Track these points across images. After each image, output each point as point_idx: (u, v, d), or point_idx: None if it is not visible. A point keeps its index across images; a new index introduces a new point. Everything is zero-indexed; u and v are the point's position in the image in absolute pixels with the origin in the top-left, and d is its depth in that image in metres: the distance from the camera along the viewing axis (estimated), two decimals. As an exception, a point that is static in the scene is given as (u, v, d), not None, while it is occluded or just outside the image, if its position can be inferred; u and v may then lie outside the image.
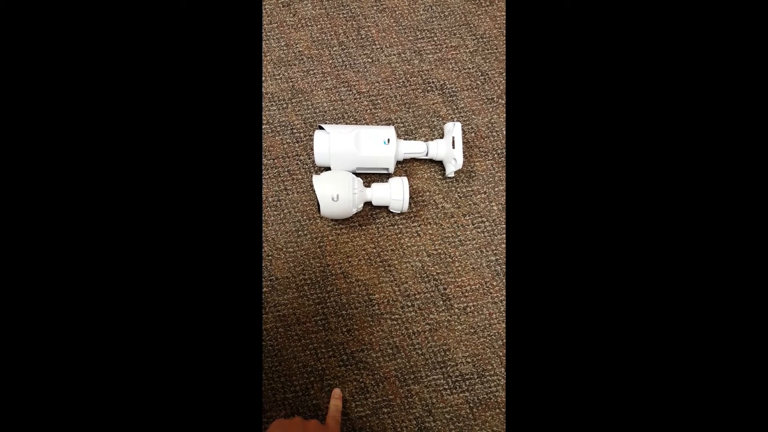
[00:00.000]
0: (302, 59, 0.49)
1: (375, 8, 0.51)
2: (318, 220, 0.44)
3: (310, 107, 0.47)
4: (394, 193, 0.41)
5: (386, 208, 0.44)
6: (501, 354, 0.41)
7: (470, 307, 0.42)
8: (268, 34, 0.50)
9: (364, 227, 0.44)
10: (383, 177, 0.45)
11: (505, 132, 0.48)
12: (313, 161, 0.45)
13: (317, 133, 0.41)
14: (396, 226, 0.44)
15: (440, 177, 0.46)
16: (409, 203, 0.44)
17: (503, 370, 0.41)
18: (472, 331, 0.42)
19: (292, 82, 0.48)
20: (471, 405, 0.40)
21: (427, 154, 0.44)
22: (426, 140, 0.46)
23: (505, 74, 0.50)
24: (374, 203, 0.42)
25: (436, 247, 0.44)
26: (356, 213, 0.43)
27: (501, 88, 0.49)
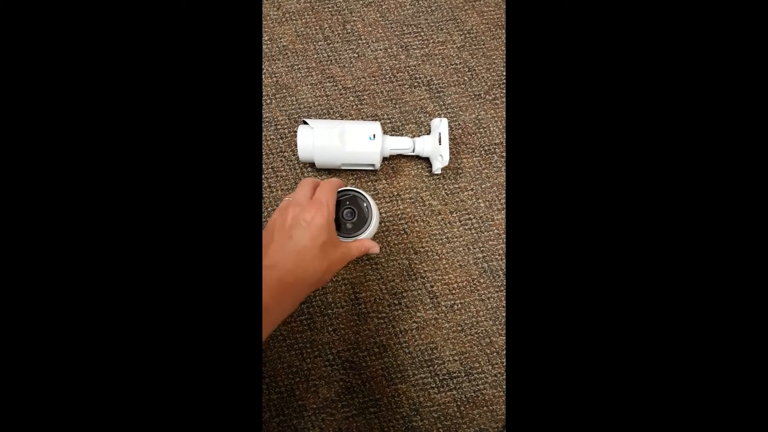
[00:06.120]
0: (286, 54, 0.48)
1: (361, 2, 0.50)
2: (303, 218, 0.43)
3: (295, 103, 0.46)
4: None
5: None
6: (488, 351, 0.41)
7: (457, 305, 0.42)
8: (252, 28, 0.49)
9: (350, 225, 0.43)
10: (370, 172, 0.44)
11: (491, 128, 0.47)
12: (298, 158, 0.44)
13: (301, 128, 0.40)
14: (382, 224, 0.43)
15: (427, 174, 0.45)
16: (396, 200, 0.44)
17: (490, 367, 0.41)
18: (460, 328, 0.41)
19: (276, 77, 0.47)
20: (458, 403, 0.40)
21: (413, 151, 0.43)
22: (413, 136, 0.45)
23: (492, 71, 0.49)
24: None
25: (423, 244, 0.43)
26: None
27: (488, 84, 0.49)
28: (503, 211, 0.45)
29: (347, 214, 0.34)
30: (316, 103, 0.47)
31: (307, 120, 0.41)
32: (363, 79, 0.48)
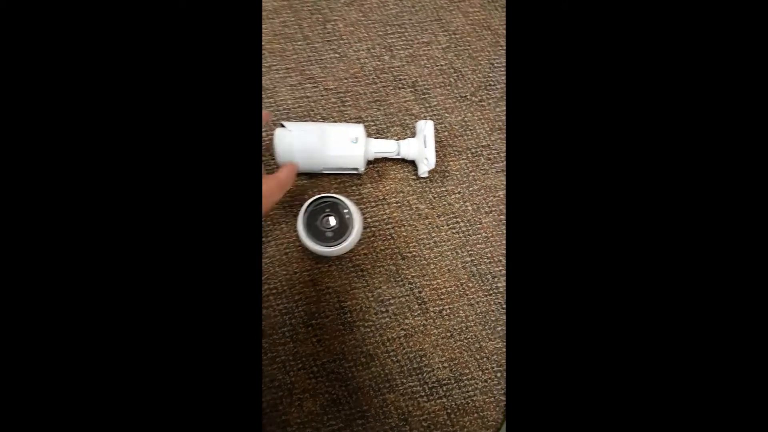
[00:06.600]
0: (263, 54, 0.46)
1: (342, 1, 0.49)
2: (284, 225, 0.41)
3: (273, 105, 0.45)
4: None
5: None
6: (478, 357, 0.40)
7: (446, 310, 0.41)
8: (228, 26, 0.47)
9: (334, 231, 0.42)
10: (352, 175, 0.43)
11: (478, 130, 0.47)
12: (276, 162, 0.42)
13: (278, 131, 0.39)
14: (368, 229, 0.42)
15: (413, 177, 0.44)
16: (382, 205, 0.43)
17: (481, 373, 0.40)
18: (449, 334, 0.41)
19: (254, 77, 0.45)
20: (449, 411, 0.39)
21: (398, 154, 0.42)
22: (397, 139, 0.44)
23: (478, 72, 0.49)
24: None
25: (411, 249, 0.42)
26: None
27: (474, 85, 0.48)
28: (491, 214, 0.44)
29: (326, 222, 0.32)
30: (296, 105, 0.45)
31: (284, 123, 0.39)
32: (345, 80, 0.46)
